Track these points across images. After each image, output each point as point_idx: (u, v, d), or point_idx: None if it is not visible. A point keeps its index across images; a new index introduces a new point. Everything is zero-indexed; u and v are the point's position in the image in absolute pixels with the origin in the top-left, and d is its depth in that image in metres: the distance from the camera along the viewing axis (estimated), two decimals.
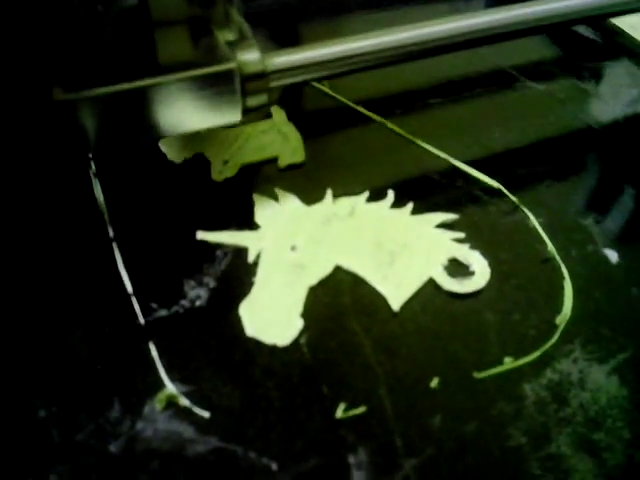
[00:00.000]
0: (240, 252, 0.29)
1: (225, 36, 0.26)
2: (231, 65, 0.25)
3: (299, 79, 0.28)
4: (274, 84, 0.27)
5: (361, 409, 0.23)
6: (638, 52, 0.43)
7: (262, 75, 0.26)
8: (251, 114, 0.28)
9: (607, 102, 0.39)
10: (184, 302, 0.26)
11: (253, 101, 0.26)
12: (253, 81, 0.26)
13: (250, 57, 0.26)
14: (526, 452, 0.23)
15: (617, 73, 0.42)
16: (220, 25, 0.25)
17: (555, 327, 0.26)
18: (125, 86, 0.23)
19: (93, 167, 0.32)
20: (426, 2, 0.49)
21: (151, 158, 0.33)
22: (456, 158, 0.34)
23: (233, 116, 0.26)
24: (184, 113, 0.25)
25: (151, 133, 0.25)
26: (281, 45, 0.42)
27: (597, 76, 0.41)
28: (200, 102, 0.25)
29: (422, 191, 0.32)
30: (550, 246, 0.30)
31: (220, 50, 0.25)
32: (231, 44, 0.26)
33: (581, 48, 0.44)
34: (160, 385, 0.24)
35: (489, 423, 0.23)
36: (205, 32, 0.25)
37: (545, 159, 0.35)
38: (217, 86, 0.25)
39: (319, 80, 0.34)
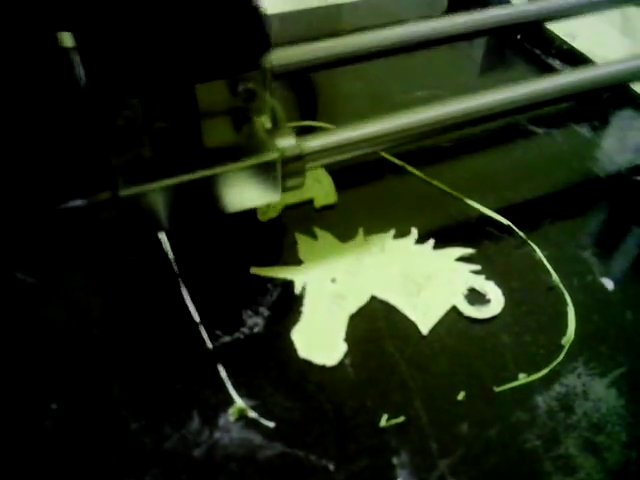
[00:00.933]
0: (287, 284, 0.33)
1: (263, 122, 0.30)
2: (274, 155, 0.29)
3: (333, 160, 0.32)
4: (310, 165, 0.31)
5: (401, 418, 0.28)
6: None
7: (299, 158, 0.30)
8: None
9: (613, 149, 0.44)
10: (244, 329, 0.31)
11: (291, 182, 0.31)
12: (291, 164, 0.30)
13: (288, 143, 0.30)
14: (540, 453, 0.27)
15: (622, 121, 0.47)
16: (258, 112, 0.29)
17: (561, 347, 0.31)
18: (185, 178, 0.27)
19: None
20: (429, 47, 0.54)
21: None
22: (471, 199, 0.38)
23: (274, 197, 0.30)
24: (232, 196, 0.29)
25: (201, 214, 0.30)
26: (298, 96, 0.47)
27: (605, 124, 0.46)
28: (246, 187, 0.29)
29: (442, 229, 0.37)
30: (554, 276, 0.34)
31: (261, 139, 0.29)
32: (269, 131, 0.30)
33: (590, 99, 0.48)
34: (230, 400, 0.28)
35: (508, 429, 0.28)
36: (245, 120, 0.29)
37: (548, 199, 0.39)
38: (261, 174, 0.29)
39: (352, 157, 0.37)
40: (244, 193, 0.29)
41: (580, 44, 0.54)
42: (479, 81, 0.51)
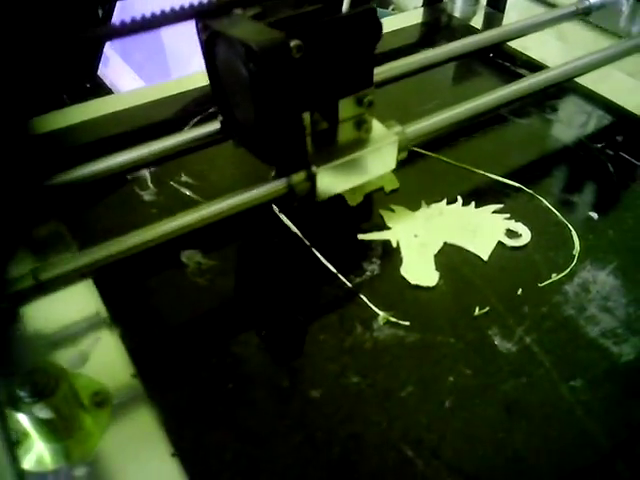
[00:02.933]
0: (385, 243, 0.48)
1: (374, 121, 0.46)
2: (395, 138, 0.45)
3: (419, 141, 0.48)
4: (410, 145, 0.47)
5: (486, 309, 0.43)
6: (582, 91, 0.66)
7: (404, 139, 0.46)
8: None
9: (565, 125, 0.61)
10: (367, 272, 0.46)
11: (400, 156, 0.46)
12: (401, 143, 0.46)
13: (399, 130, 0.46)
14: (575, 317, 0.43)
15: (570, 105, 0.64)
16: (372, 115, 0.45)
17: (573, 256, 0.47)
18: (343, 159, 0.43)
19: (275, 208, 0.51)
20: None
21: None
22: (486, 171, 0.55)
23: (392, 166, 0.46)
24: (370, 167, 0.45)
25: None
26: None
27: (556, 109, 0.64)
28: (376, 161, 0.44)
29: (476, 193, 0.53)
30: (558, 214, 0.51)
31: (380, 130, 0.45)
32: (384, 125, 0.46)
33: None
34: (375, 314, 0.43)
35: (552, 306, 0.44)
36: (363, 122, 0.45)
37: (539, 164, 0.56)
38: (386, 152, 0.44)
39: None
40: (376, 165, 0.45)
41: (532, 53, 0.72)
42: (469, 88, 0.68)
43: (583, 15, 0.68)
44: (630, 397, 0.39)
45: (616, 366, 0.40)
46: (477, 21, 0.84)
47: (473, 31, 0.81)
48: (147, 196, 0.52)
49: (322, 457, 0.35)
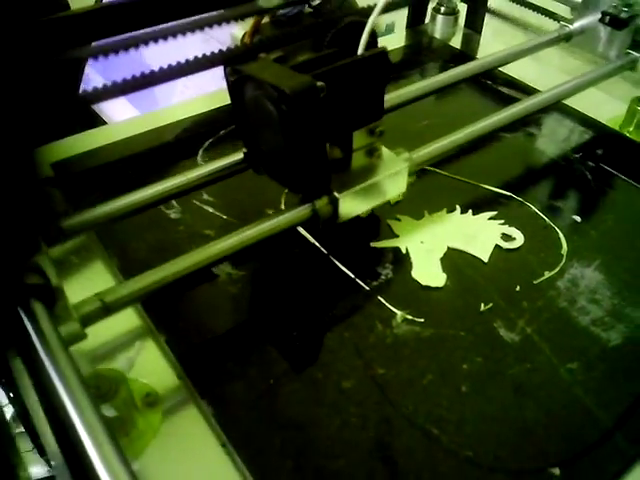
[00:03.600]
0: (395, 249, 0.54)
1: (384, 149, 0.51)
2: (406, 164, 0.50)
3: (426, 165, 0.54)
4: (417, 167, 0.53)
5: (490, 304, 0.49)
6: (563, 108, 0.72)
7: (412, 164, 0.52)
8: None
9: (548, 139, 0.68)
10: (382, 276, 0.51)
11: (409, 179, 0.52)
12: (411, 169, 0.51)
13: (407, 156, 0.51)
14: (568, 309, 0.49)
15: (553, 122, 0.71)
16: (381, 143, 0.50)
17: (562, 255, 0.53)
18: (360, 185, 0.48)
19: None
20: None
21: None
22: (480, 183, 0.60)
23: (403, 189, 0.52)
24: (385, 190, 0.50)
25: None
26: None
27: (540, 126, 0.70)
28: (389, 186, 0.50)
29: (472, 204, 0.58)
30: (546, 219, 0.57)
31: (390, 157, 0.50)
32: (393, 152, 0.51)
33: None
34: (393, 313, 0.48)
35: (547, 300, 0.49)
36: (374, 150, 0.50)
37: (528, 175, 0.62)
38: (397, 177, 0.50)
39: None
40: (390, 189, 0.51)
41: (512, 72, 0.79)
42: (455, 106, 0.74)
43: (565, 40, 0.75)
44: (620, 376, 0.45)
45: (606, 350, 0.46)
46: (456, 41, 0.90)
47: (452, 51, 0.88)
48: (174, 214, 0.56)
49: (358, 439, 0.40)
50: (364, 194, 0.49)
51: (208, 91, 0.75)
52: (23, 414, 0.37)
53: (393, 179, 0.50)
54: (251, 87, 0.43)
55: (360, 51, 0.44)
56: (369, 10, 0.44)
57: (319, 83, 0.41)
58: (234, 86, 0.44)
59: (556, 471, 0.39)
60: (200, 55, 0.44)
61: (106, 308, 0.40)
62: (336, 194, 0.47)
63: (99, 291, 0.41)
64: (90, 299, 0.40)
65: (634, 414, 0.42)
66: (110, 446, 0.30)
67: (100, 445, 0.30)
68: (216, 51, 0.48)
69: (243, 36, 0.51)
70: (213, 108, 0.71)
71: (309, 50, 0.45)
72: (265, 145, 0.46)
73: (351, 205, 0.49)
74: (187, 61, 0.46)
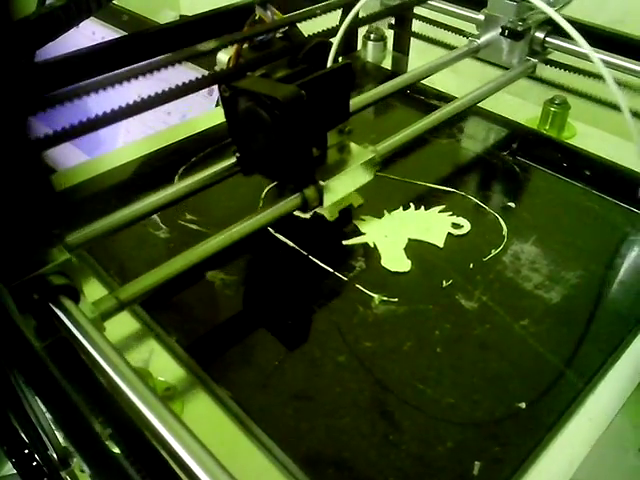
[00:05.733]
0: (364, 245, 0.62)
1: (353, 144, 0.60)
2: (373, 155, 0.59)
3: (387, 155, 0.62)
4: (381, 158, 0.61)
5: (450, 281, 0.58)
6: (482, 113, 0.83)
7: (376, 155, 0.60)
8: None
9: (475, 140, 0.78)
10: (357, 268, 0.59)
11: (375, 168, 0.60)
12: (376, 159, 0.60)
13: (373, 149, 0.60)
14: (515, 277, 0.58)
15: (472, 125, 0.82)
16: (350, 140, 0.59)
17: (504, 237, 0.63)
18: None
19: (271, 230, 0.63)
20: None
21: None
22: (429, 182, 0.70)
23: (370, 177, 0.60)
24: (353, 178, 0.59)
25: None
26: None
27: (463, 129, 0.81)
28: (358, 175, 0.58)
29: (423, 200, 0.67)
30: (487, 208, 0.66)
31: (359, 151, 0.59)
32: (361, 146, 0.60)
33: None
34: (370, 297, 0.56)
35: (496, 272, 0.59)
36: (344, 147, 0.59)
37: (464, 170, 0.72)
38: (366, 168, 0.59)
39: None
40: (362, 176, 0.59)
41: (438, 85, 0.89)
42: (394, 119, 0.83)
43: (474, 53, 0.86)
44: (563, 326, 0.54)
45: (549, 306, 0.55)
46: (387, 63, 1.01)
47: (385, 72, 0.98)
48: (162, 234, 0.63)
49: (357, 399, 0.48)
50: (343, 181, 0.58)
51: (149, 133, 0.81)
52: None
53: (364, 167, 0.60)
54: (244, 99, 0.51)
55: (329, 64, 0.53)
56: (331, 32, 0.53)
57: (302, 91, 0.49)
58: (228, 100, 0.52)
59: (522, 405, 0.47)
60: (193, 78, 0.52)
61: (120, 305, 0.46)
62: (321, 182, 0.55)
63: (111, 292, 0.47)
64: (106, 297, 0.46)
65: (577, 354, 0.52)
66: (184, 431, 0.35)
67: (177, 432, 0.35)
68: (205, 74, 0.56)
69: (229, 60, 0.58)
70: (175, 141, 0.78)
71: (285, 67, 0.53)
72: (258, 147, 0.54)
73: (333, 191, 0.57)
74: (177, 86, 0.53)
